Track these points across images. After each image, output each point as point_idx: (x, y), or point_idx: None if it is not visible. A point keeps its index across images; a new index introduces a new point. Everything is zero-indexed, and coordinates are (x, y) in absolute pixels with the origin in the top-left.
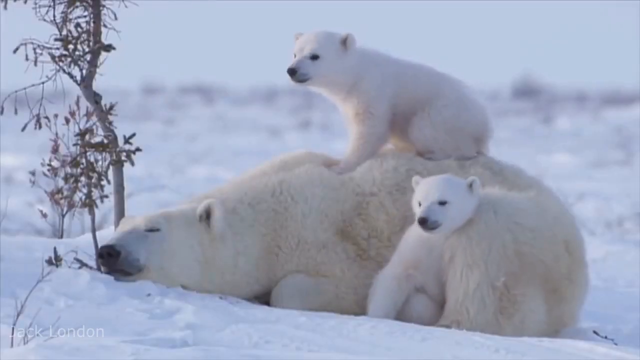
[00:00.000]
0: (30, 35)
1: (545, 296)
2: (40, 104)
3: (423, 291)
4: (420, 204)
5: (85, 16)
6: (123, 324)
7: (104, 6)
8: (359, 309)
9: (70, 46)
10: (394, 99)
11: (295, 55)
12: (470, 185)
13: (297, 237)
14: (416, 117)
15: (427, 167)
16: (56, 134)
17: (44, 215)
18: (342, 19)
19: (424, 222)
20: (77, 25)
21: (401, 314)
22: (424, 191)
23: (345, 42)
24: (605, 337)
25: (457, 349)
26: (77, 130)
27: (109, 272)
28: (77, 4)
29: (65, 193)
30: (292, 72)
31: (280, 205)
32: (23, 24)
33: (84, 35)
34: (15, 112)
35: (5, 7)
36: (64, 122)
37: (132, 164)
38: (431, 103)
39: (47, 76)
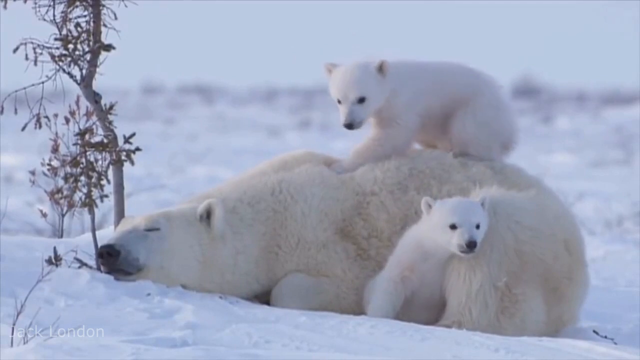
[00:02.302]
0: (30, 34)
1: (546, 295)
2: (40, 104)
3: (418, 295)
4: (454, 227)
5: (85, 16)
6: (123, 324)
7: (104, 6)
8: (360, 309)
9: (70, 46)
10: (426, 111)
11: (339, 101)
12: (482, 204)
13: (297, 236)
14: (459, 114)
15: (430, 166)
16: (56, 133)
17: (44, 215)
18: (341, 18)
19: (474, 246)
20: (77, 24)
21: (397, 317)
22: (461, 215)
23: (381, 69)
24: (605, 337)
25: (457, 349)
26: (77, 130)
27: (108, 272)
28: (77, 3)
29: (65, 193)
30: (349, 126)
31: (279, 204)
32: (23, 24)
33: (84, 35)
34: (15, 112)
35: (5, 7)
36: (63, 121)
37: (132, 163)
38: (472, 101)
39: (47, 76)
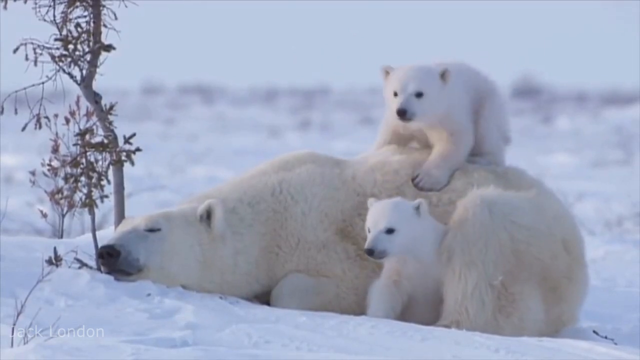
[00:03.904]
0: (30, 35)
1: (544, 295)
2: (40, 104)
3: (415, 297)
4: (369, 231)
5: (85, 16)
6: (123, 324)
7: (104, 6)
8: (360, 309)
9: (70, 46)
10: (471, 105)
11: (395, 93)
12: (417, 208)
13: (297, 236)
14: (483, 115)
15: None
16: (56, 133)
17: (44, 215)
18: (341, 19)
19: (370, 253)
20: (77, 25)
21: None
22: (372, 219)
23: (443, 76)
24: (605, 337)
25: (457, 349)
26: (77, 130)
27: (109, 272)
28: (77, 4)
29: (65, 193)
30: (402, 112)
31: (280, 204)
32: (23, 24)
33: (84, 35)
34: (16, 112)
35: (5, 7)
36: (64, 122)
37: (132, 164)
38: (488, 102)
39: (47, 76)
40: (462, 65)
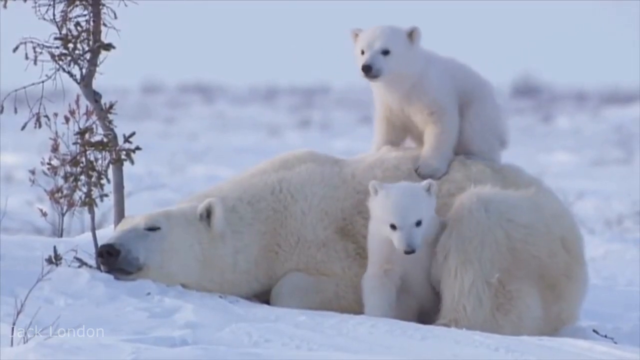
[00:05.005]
0: (30, 34)
1: (542, 293)
2: (40, 103)
3: (408, 284)
4: (394, 227)
5: (85, 15)
6: (123, 323)
7: (103, 5)
8: (359, 308)
9: (70, 45)
10: (455, 91)
11: (362, 52)
12: (428, 189)
13: (297, 235)
14: (467, 115)
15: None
16: (56, 132)
17: (44, 214)
18: (341, 18)
19: (410, 252)
20: (77, 24)
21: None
22: (400, 217)
23: (411, 35)
24: (605, 336)
25: (456, 348)
26: (76, 129)
27: (108, 271)
28: (77, 2)
29: (65, 192)
30: (367, 68)
31: (279, 203)
32: (23, 23)
33: (84, 34)
34: (15, 111)
35: (4, 6)
36: (63, 121)
37: (132, 162)
38: (477, 103)
39: (46, 75)
40: (458, 61)
